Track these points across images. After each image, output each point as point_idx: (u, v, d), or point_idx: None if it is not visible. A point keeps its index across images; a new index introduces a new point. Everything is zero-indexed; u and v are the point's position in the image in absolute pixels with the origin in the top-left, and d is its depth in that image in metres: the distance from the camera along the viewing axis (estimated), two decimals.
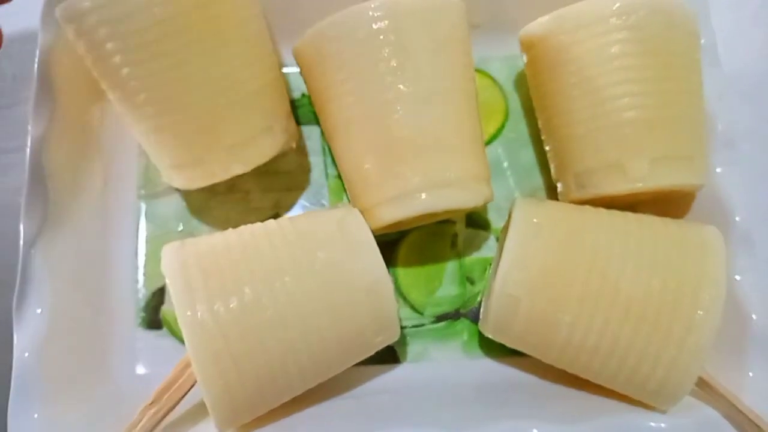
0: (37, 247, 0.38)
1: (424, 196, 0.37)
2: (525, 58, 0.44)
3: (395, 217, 0.38)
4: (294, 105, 0.47)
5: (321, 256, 0.35)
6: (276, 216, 0.43)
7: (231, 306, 0.33)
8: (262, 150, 0.39)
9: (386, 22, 0.37)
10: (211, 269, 0.34)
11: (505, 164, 0.47)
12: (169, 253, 0.35)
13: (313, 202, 0.46)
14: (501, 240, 0.43)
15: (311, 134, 0.47)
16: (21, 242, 0.38)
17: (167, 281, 0.34)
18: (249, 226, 0.37)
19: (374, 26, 0.37)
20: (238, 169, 0.38)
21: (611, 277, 0.34)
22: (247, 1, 0.38)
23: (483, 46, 0.47)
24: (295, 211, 0.46)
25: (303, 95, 0.48)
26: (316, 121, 0.46)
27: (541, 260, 0.35)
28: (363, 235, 0.36)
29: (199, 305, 0.33)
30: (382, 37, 0.37)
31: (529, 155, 0.48)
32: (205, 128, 0.36)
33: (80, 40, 0.35)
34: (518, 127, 0.48)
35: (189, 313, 0.33)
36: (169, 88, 0.36)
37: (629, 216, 0.38)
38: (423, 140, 0.37)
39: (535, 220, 0.37)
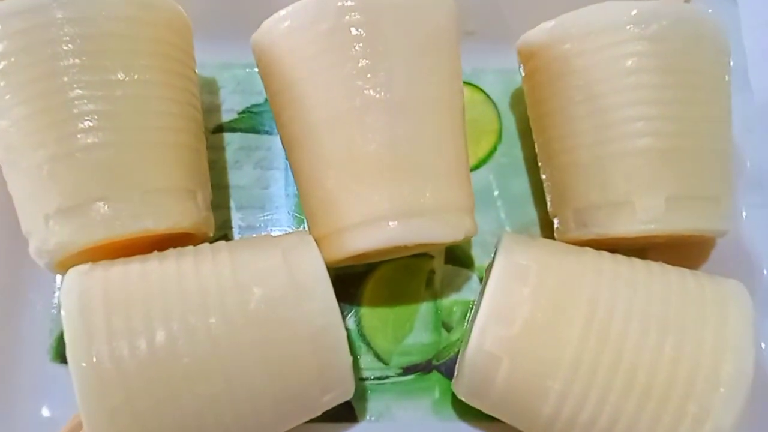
0: None
1: (393, 225, 0.33)
2: (523, 71, 0.40)
3: (358, 249, 0.33)
4: (254, 111, 0.43)
5: (258, 292, 0.29)
6: (224, 239, 0.38)
7: (137, 351, 0.27)
8: (182, 211, 0.32)
9: (357, 14, 0.32)
10: (118, 302, 0.28)
11: (496, 193, 0.43)
12: (70, 278, 0.29)
13: (269, 225, 0.41)
14: (484, 282, 0.38)
15: (272, 145, 0.42)
16: None
17: (62, 314, 0.28)
18: (177, 249, 0.32)
19: (343, 19, 0.32)
20: (149, 223, 0.31)
21: (613, 338, 0.30)
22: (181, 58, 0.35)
23: (476, 56, 0.44)
24: (246, 235, 0.41)
25: (266, 100, 0.42)
26: None
27: (527, 313, 0.31)
28: (313, 268, 0.31)
29: (96, 348, 0.27)
30: (351, 31, 0.32)
31: (523, 184, 0.43)
32: (120, 161, 0.30)
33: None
34: (512, 151, 0.44)
35: (82, 356, 0.27)
36: (91, 105, 0.30)
37: (637, 264, 0.33)
38: (395, 158, 0.33)
39: (523, 262, 0.32)
